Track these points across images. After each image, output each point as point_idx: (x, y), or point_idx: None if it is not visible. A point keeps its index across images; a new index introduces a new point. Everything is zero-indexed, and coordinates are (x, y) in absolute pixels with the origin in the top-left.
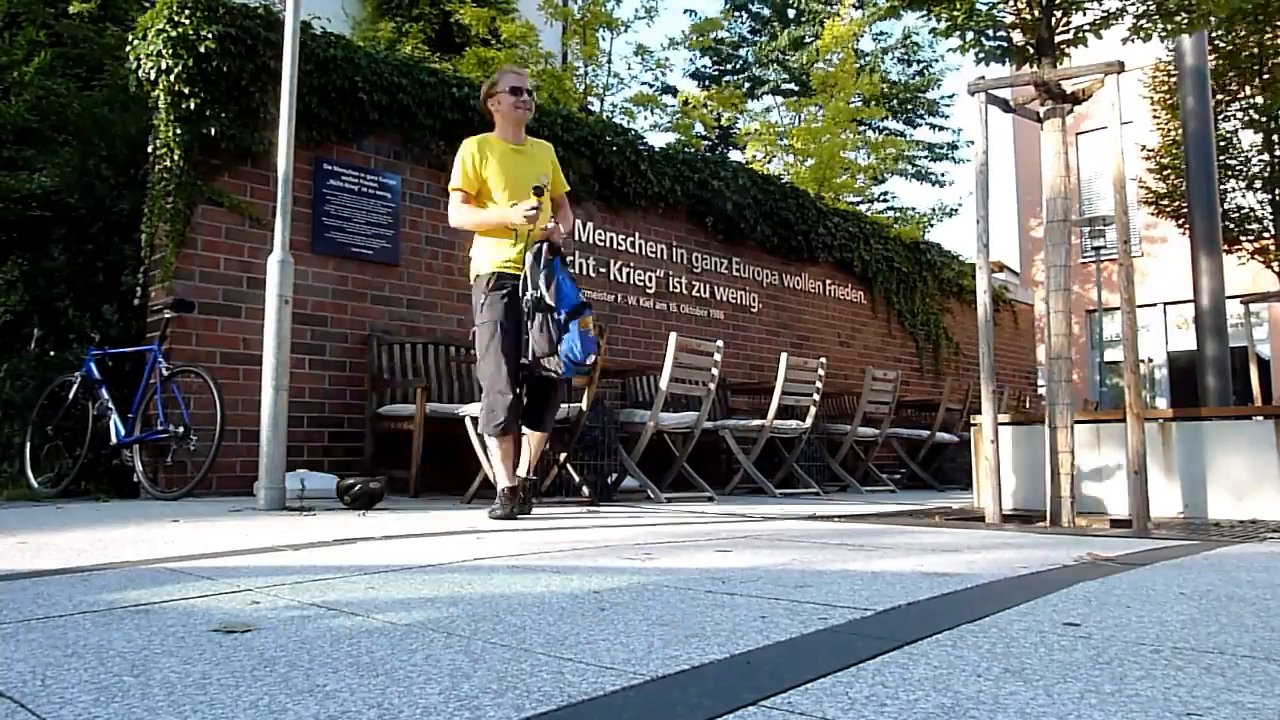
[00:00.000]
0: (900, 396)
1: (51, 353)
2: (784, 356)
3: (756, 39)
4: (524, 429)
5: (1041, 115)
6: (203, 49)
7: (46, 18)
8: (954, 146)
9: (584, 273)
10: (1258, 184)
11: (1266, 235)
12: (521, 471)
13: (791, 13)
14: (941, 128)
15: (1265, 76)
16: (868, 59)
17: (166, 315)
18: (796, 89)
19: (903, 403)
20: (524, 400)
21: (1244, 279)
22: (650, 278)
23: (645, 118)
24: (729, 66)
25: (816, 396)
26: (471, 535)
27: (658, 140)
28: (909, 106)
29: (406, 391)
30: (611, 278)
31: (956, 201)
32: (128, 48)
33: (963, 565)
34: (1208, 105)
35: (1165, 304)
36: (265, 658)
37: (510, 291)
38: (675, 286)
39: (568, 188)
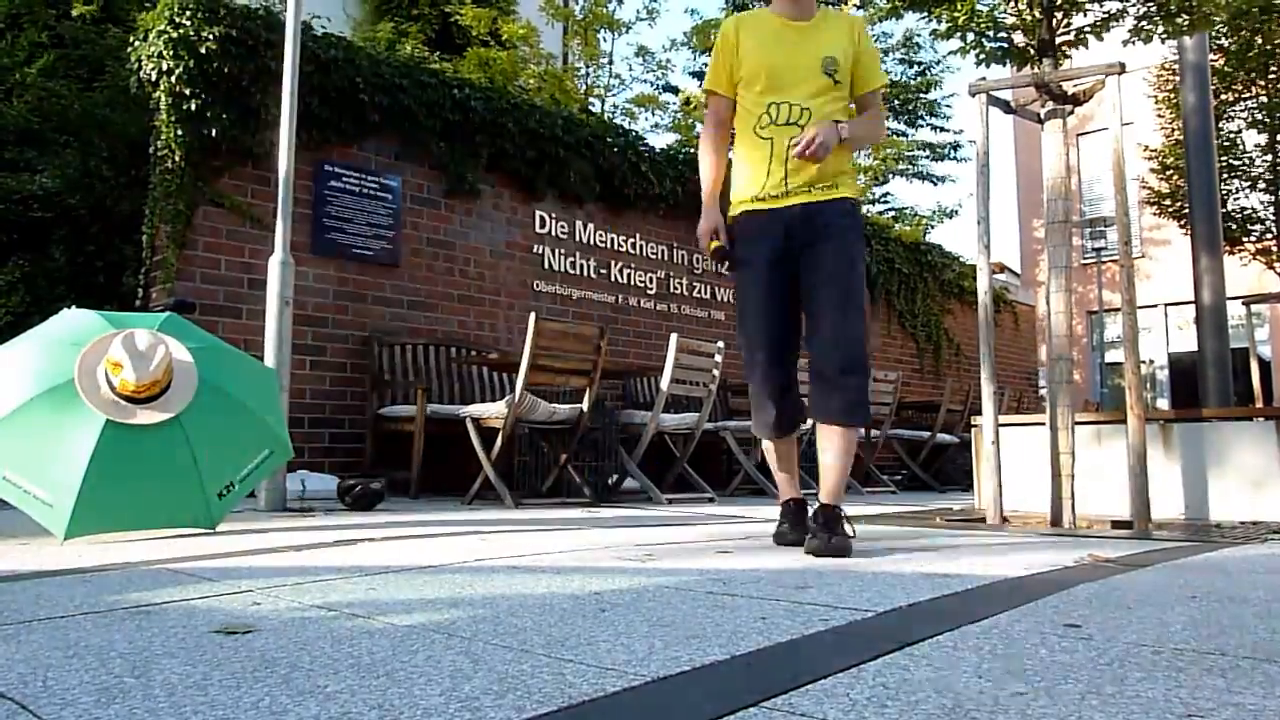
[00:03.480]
0: (901, 398)
1: None
2: None
3: None
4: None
5: (1042, 116)
6: (204, 50)
7: (48, 19)
8: (955, 147)
9: (584, 274)
10: (1261, 185)
11: (1269, 236)
12: (823, 495)
13: None
14: (942, 129)
15: (1271, 75)
16: None
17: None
18: None
19: (903, 404)
20: (790, 391)
21: (1248, 280)
22: (651, 279)
23: (646, 118)
24: None
25: None
26: (473, 536)
27: (659, 140)
28: (910, 107)
29: (407, 392)
30: (612, 279)
31: (957, 203)
32: (129, 49)
33: (963, 566)
34: (1208, 101)
35: (1166, 305)
36: (266, 659)
37: (762, 236)
38: (676, 288)
39: (882, 81)
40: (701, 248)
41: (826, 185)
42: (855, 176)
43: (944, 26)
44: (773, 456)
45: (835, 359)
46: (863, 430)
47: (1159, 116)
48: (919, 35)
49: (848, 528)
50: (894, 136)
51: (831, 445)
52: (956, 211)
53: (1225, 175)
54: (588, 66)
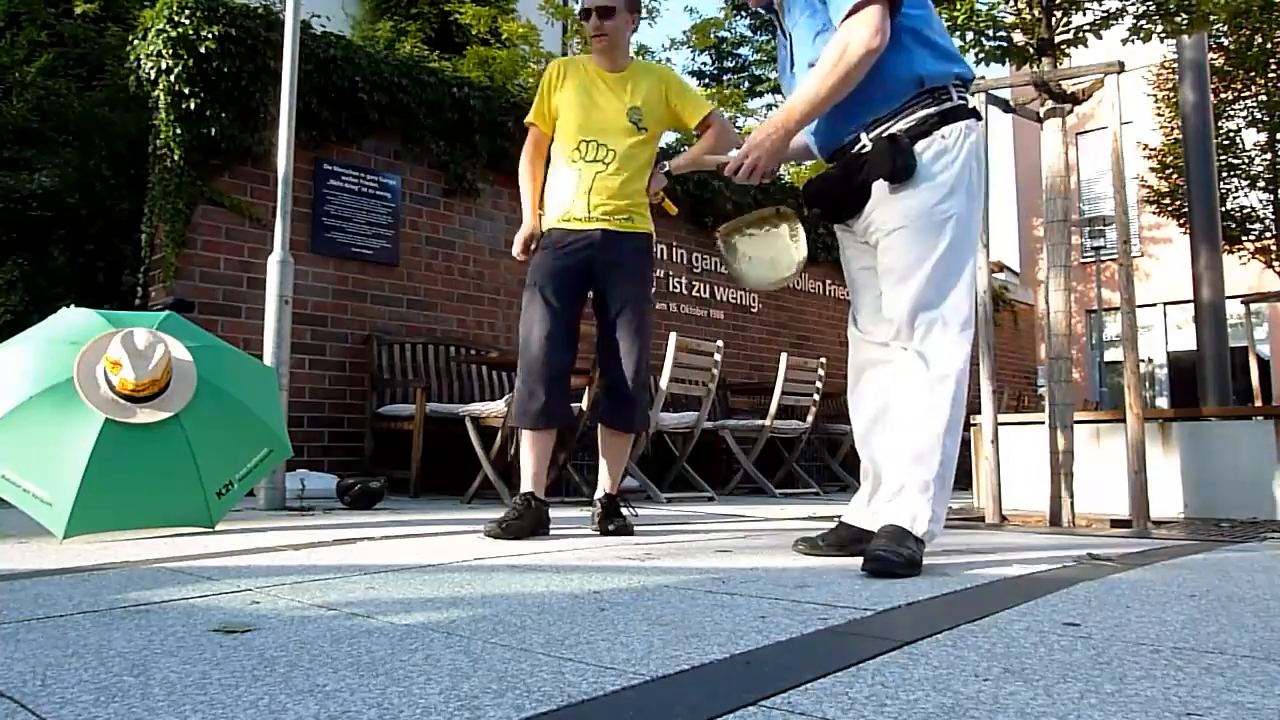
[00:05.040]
0: None
1: None
2: (784, 356)
3: (757, 38)
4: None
5: (1041, 115)
6: (203, 49)
7: (48, 18)
8: None
9: None
10: (1260, 183)
11: (1268, 235)
12: (603, 486)
13: None
14: None
15: (1270, 74)
16: None
17: None
18: None
19: None
20: (559, 384)
21: (1248, 279)
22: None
23: None
24: (729, 65)
25: (816, 396)
26: (472, 535)
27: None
28: None
29: (406, 391)
30: None
31: None
32: (128, 48)
33: (962, 565)
34: (1207, 100)
35: (1166, 304)
36: (265, 658)
37: (566, 245)
38: (675, 287)
39: (709, 107)
40: (515, 253)
41: (623, 218)
42: (648, 213)
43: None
44: (529, 448)
45: (628, 379)
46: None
47: (1158, 115)
48: None
49: (626, 511)
50: None
51: (615, 447)
52: None
53: (1224, 174)
54: None
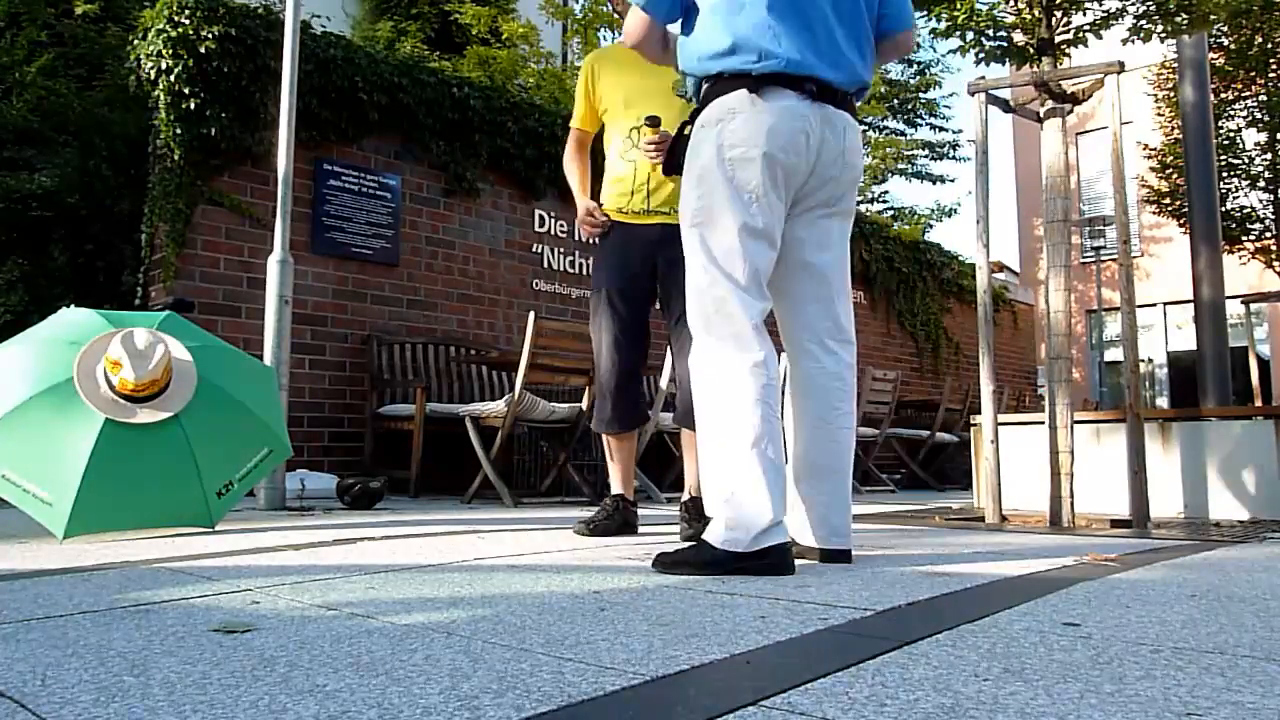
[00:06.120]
0: (900, 396)
1: None
2: (784, 357)
3: None
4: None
5: (1041, 115)
6: (203, 49)
7: (48, 18)
8: (954, 146)
9: (584, 272)
10: (1260, 183)
11: (1268, 235)
12: (688, 488)
13: None
14: (942, 128)
15: (1271, 74)
16: None
17: None
18: None
19: (902, 403)
20: (631, 387)
21: (1248, 279)
22: None
23: None
24: None
25: None
26: (472, 535)
27: None
28: (909, 106)
29: (406, 391)
30: None
31: (956, 201)
32: (128, 48)
33: (963, 565)
34: (1207, 99)
35: (1166, 304)
36: (265, 658)
37: (625, 245)
38: None
39: None
40: (585, 229)
41: None
42: None
43: (943, 25)
44: (614, 451)
45: None
46: (862, 429)
47: (1158, 115)
48: (918, 34)
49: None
50: (893, 135)
51: (695, 446)
52: (955, 210)
53: (1224, 174)
54: None
